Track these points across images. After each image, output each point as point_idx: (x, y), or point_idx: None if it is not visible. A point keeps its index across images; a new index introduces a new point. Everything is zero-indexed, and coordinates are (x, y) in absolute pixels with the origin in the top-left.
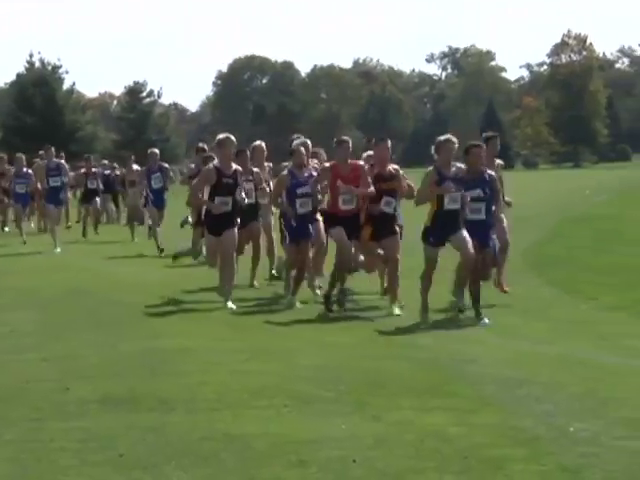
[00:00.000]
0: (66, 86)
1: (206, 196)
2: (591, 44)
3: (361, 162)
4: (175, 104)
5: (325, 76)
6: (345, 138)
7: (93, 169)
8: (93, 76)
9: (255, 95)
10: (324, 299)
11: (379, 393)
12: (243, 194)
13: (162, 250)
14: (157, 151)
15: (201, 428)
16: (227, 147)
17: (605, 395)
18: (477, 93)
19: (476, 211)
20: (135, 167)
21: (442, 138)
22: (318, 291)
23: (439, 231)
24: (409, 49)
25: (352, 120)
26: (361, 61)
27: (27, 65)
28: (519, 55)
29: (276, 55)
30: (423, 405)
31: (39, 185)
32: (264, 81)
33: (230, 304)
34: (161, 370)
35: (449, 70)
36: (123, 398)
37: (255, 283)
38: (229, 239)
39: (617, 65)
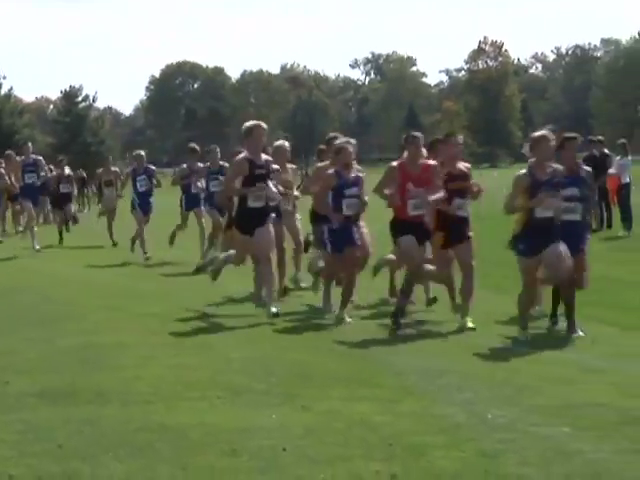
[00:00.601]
0: (3, 91)
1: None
2: (506, 50)
3: (432, 162)
4: (110, 108)
5: (254, 81)
6: (416, 134)
7: None
8: (30, 81)
9: (187, 99)
10: (394, 316)
11: (308, 384)
12: (274, 188)
13: (147, 257)
14: (143, 153)
15: (136, 420)
16: (258, 135)
17: (520, 383)
18: (399, 97)
19: (571, 211)
20: (113, 168)
21: (537, 134)
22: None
23: (532, 240)
24: (334, 55)
25: (280, 124)
26: (288, 67)
27: None
28: (439, 61)
29: (207, 61)
30: (350, 395)
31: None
32: (195, 86)
33: (273, 309)
34: (97, 365)
35: (372, 75)
36: (61, 392)
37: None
38: (264, 237)
39: (531, 70)
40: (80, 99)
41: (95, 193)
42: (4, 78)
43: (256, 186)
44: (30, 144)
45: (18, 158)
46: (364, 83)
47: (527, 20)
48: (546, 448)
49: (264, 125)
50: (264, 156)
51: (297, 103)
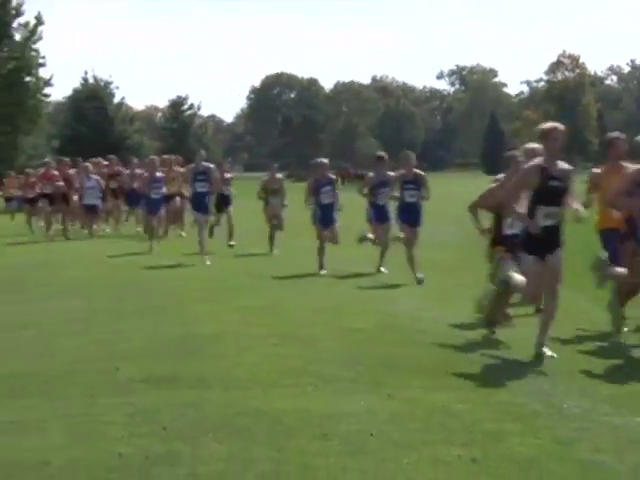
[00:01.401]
0: (116, 100)
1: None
2: (583, 63)
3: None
4: (213, 116)
5: (346, 91)
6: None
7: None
8: (140, 91)
9: (283, 108)
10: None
11: (393, 374)
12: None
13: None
14: (203, 152)
15: (235, 404)
16: (556, 140)
17: (595, 375)
18: (481, 106)
19: None
20: (278, 175)
21: None
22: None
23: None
24: (421, 67)
25: (369, 130)
26: (378, 77)
27: (82, 81)
28: (519, 72)
29: (302, 72)
30: (432, 384)
31: (185, 191)
32: (292, 95)
33: (547, 351)
34: (199, 353)
35: (456, 86)
36: (166, 377)
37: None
38: (555, 266)
39: (607, 82)
40: (186, 107)
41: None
42: (117, 88)
43: (538, 214)
44: (203, 152)
45: (181, 168)
46: (449, 93)
47: (603, 34)
48: (619, 436)
49: (561, 127)
50: (561, 164)
51: (385, 111)
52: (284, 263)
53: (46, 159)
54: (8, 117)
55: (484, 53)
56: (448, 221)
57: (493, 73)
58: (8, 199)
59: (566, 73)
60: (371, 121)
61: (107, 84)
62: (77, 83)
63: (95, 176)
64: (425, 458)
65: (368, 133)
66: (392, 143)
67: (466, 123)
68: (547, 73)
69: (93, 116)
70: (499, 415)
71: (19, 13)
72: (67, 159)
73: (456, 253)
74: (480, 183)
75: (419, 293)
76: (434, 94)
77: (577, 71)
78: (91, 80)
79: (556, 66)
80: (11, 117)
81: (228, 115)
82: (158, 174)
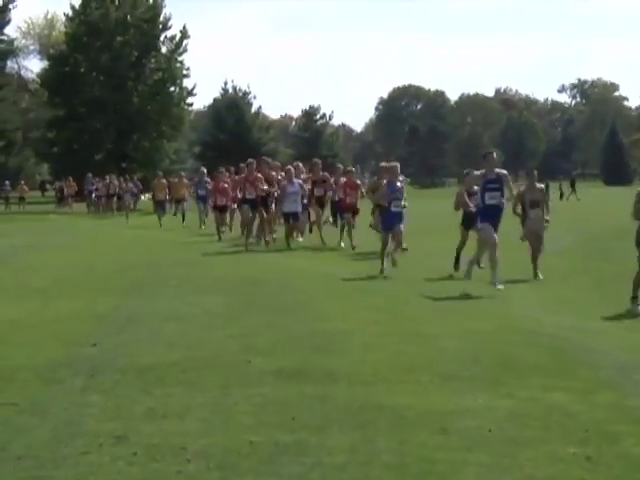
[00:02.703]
0: (254, 109)
1: None
2: None
3: None
4: (343, 125)
5: (471, 103)
6: None
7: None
8: (275, 101)
9: (410, 118)
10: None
11: (511, 373)
12: None
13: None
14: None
15: (360, 399)
16: None
17: None
18: (601, 119)
19: None
20: (539, 185)
21: None
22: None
23: None
24: (543, 80)
25: (492, 141)
26: (502, 90)
27: (222, 91)
28: None
29: (429, 84)
30: (549, 385)
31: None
32: (418, 106)
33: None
34: (327, 348)
35: (577, 99)
36: (295, 371)
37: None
38: None
39: None
40: (318, 117)
41: None
42: (254, 98)
43: None
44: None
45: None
46: (570, 106)
47: None
48: None
49: None
50: None
51: (508, 123)
52: (411, 265)
53: (221, 169)
54: (154, 124)
55: (606, 67)
56: (565, 229)
57: (614, 87)
58: (159, 202)
59: None
60: (494, 132)
61: (245, 94)
62: (217, 93)
63: (298, 180)
64: (541, 455)
65: (491, 143)
66: (514, 153)
67: (586, 135)
68: None
69: (232, 124)
70: (615, 416)
71: (166, 27)
72: (269, 160)
73: (571, 260)
74: (600, 192)
75: (536, 296)
76: (555, 107)
77: None
78: (230, 90)
79: None
80: (156, 124)
81: (358, 124)
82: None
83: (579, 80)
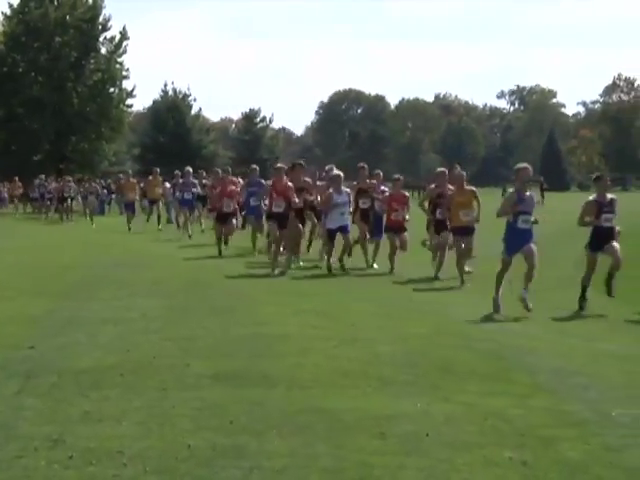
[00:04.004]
0: (194, 111)
1: None
2: (639, 86)
3: None
4: (284, 128)
5: (411, 108)
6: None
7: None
8: (216, 103)
9: (350, 123)
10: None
11: (449, 378)
12: None
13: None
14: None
15: (298, 403)
16: None
17: None
18: (539, 125)
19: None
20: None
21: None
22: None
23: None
24: (482, 86)
25: (432, 146)
26: (441, 96)
27: (162, 93)
28: (577, 93)
29: (370, 89)
30: (486, 389)
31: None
32: (359, 111)
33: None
34: (265, 352)
35: (516, 105)
36: (233, 374)
37: None
38: None
39: None
40: (258, 120)
41: None
42: (194, 100)
43: None
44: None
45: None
46: (509, 112)
47: None
48: None
49: None
50: None
51: (448, 128)
52: (353, 270)
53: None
54: (93, 125)
55: (544, 74)
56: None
57: (552, 94)
58: (129, 204)
59: (621, 95)
60: (434, 137)
61: (185, 96)
62: (157, 94)
63: (346, 189)
64: (478, 459)
65: (431, 149)
66: (454, 159)
67: (525, 141)
68: (603, 95)
69: (172, 126)
70: (550, 421)
71: (106, 28)
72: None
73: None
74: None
75: (474, 301)
76: (494, 112)
77: (632, 94)
78: (170, 92)
79: (612, 88)
80: (96, 125)
81: (298, 128)
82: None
83: (518, 86)
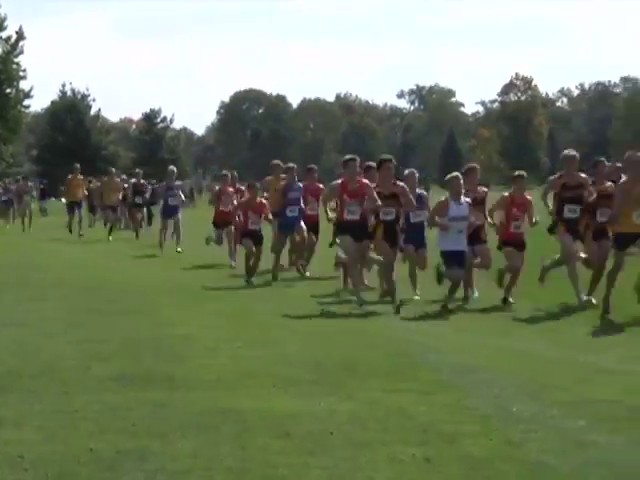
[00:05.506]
0: (93, 112)
1: None
2: (535, 85)
3: None
4: (185, 128)
5: (312, 107)
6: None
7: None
8: (115, 103)
9: (252, 122)
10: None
11: (353, 376)
12: None
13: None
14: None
15: (202, 404)
16: None
17: (543, 381)
18: (439, 125)
19: None
20: None
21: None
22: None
23: None
24: (383, 86)
25: (334, 146)
26: (342, 95)
27: (60, 93)
28: (475, 93)
29: (271, 89)
30: (390, 387)
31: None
32: (260, 111)
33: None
34: (169, 354)
35: (416, 104)
36: (136, 377)
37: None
38: None
39: (557, 103)
40: (159, 120)
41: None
42: (94, 100)
43: None
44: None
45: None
46: (409, 111)
47: (554, 59)
48: (565, 439)
49: None
50: None
51: (349, 128)
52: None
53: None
54: None
55: (443, 74)
56: None
57: (451, 93)
58: (71, 206)
59: (519, 94)
60: (336, 137)
61: (84, 97)
62: (55, 95)
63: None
64: (382, 457)
65: (334, 148)
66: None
67: (425, 140)
68: (501, 94)
69: (70, 127)
70: (452, 417)
71: (1, 28)
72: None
73: None
74: (437, 197)
75: (379, 300)
76: (395, 112)
77: (529, 93)
78: (69, 92)
79: (509, 87)
80: None
81: (199, 128)
82: None
83: (417, 86)
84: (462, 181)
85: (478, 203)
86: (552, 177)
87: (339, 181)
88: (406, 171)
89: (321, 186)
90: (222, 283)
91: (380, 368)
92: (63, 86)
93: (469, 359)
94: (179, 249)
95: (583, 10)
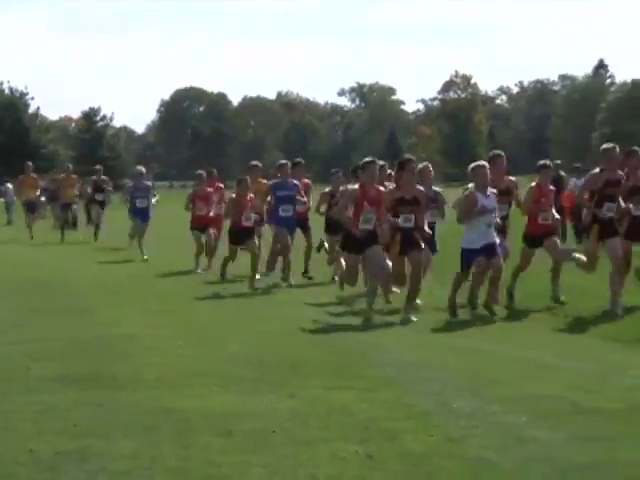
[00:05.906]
0: (31, 110)
1: None
2: (475, 83)
3: None
4: (125, 127)
5: (253, 105)
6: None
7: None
8: (54, 102)
9: (193, 121)
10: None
11: (295, 374)
12: None
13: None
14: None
15: (144, 403)
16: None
17: (486, 377)
18: (380, 122)
19: None
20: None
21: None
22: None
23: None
24: (324, 84)
25: (276, 144)
26: (283, 93)
27: None
28: (415, 91)
29: (211, 87)
30: (332, 384)
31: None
32: (201, 109)
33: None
34: (110, 353)
35: (357, 102)
36: (77, 377)
37: None
38: None
39: (497, 101)
40: (99, 118)
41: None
42: (32, 99)
43: None
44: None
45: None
46: (350, 109)
47: (494, 56)
48: (506, 434)
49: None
50: None
51: (290, 126)
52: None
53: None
54: None
55: (383, 72)
56: None
57: (392, 91)
58: (31, 205)
59: (459, 92)
60: (277, 135)
61: (22, 95)
62: None
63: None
64: (324, 454)
65: (275, 146)
66: (297, 156)
67: (366, 138)
68: (441, 92)
69: (9, 125)
70: (394, 414)
71: None
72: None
73: None
74: None
75: (325, 298)
76: (335, 110)
77: (469, 90)
78: (7, 91)
79: (449, 85)
80: None
81: (139, 126)
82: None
83: (358, 84)
84: (488, 170)
85: (504, 194)
86: (592, 172)
87: (356, 186)
88: (420, 165)
89: (308, 181)
90: (166, 283)
91: (324, 366)
92: (0, 84)
93: (413, 356)
94: (145, 257)
95: (520, 8)
